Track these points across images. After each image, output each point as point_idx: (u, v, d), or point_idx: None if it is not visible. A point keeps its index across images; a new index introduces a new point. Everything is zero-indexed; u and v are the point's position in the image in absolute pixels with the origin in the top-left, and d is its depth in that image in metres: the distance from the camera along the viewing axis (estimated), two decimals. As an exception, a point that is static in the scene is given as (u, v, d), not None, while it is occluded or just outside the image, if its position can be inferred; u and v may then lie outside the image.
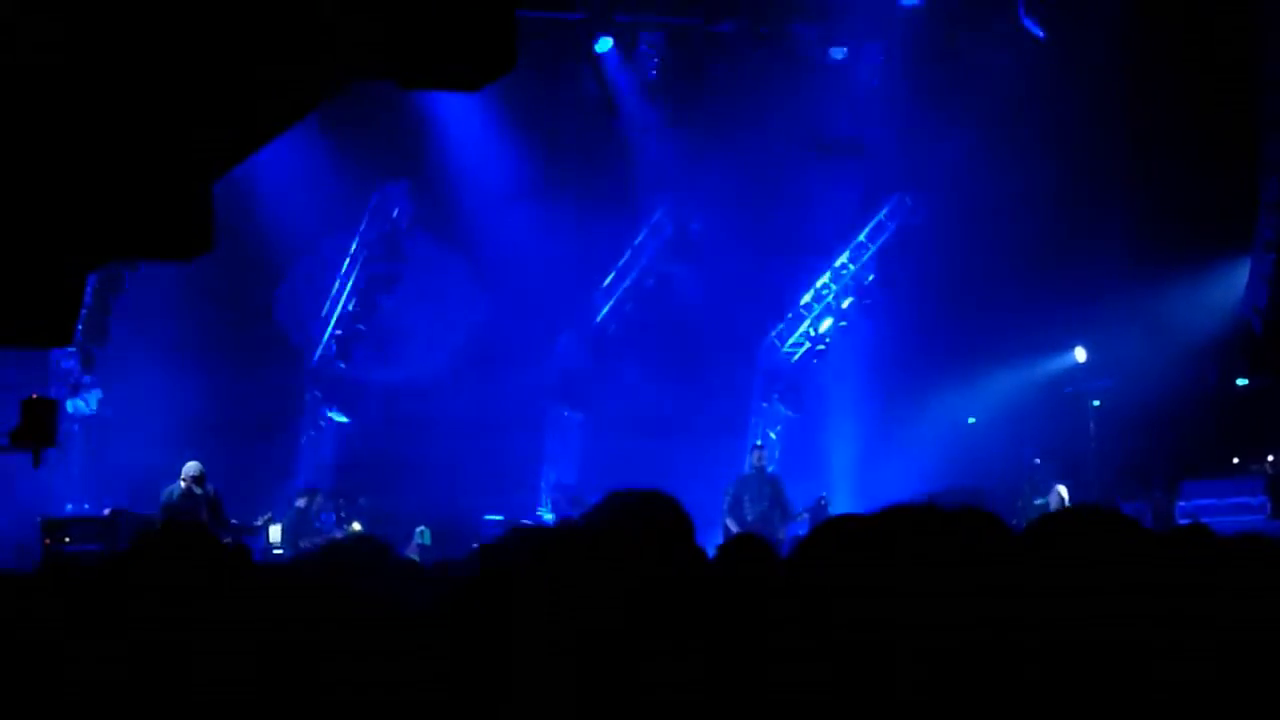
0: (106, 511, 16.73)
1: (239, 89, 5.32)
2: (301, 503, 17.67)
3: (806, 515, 17.86)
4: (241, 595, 2.96)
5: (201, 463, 15.38)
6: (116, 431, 19.46)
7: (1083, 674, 2.33)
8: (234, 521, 15.84)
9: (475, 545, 18.19)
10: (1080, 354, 20.29)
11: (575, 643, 2.53)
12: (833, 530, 2.62)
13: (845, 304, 22.10)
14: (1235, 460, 18.32)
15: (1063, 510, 2.72)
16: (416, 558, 16.66)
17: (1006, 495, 18.47)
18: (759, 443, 19.88)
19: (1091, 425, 19.08)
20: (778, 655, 2.37)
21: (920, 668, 2.25)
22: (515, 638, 2.57)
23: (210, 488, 15.36)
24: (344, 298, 20.84)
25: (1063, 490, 16.85)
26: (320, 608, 2.84)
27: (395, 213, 20.36)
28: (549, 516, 21.56)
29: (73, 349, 18.87)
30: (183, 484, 15.20)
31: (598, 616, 2.56)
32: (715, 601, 2.56)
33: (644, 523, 3.19)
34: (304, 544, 16.69)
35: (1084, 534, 2.52)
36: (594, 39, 19.90)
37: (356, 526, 18.86)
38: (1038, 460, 17.81)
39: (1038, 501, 17.26)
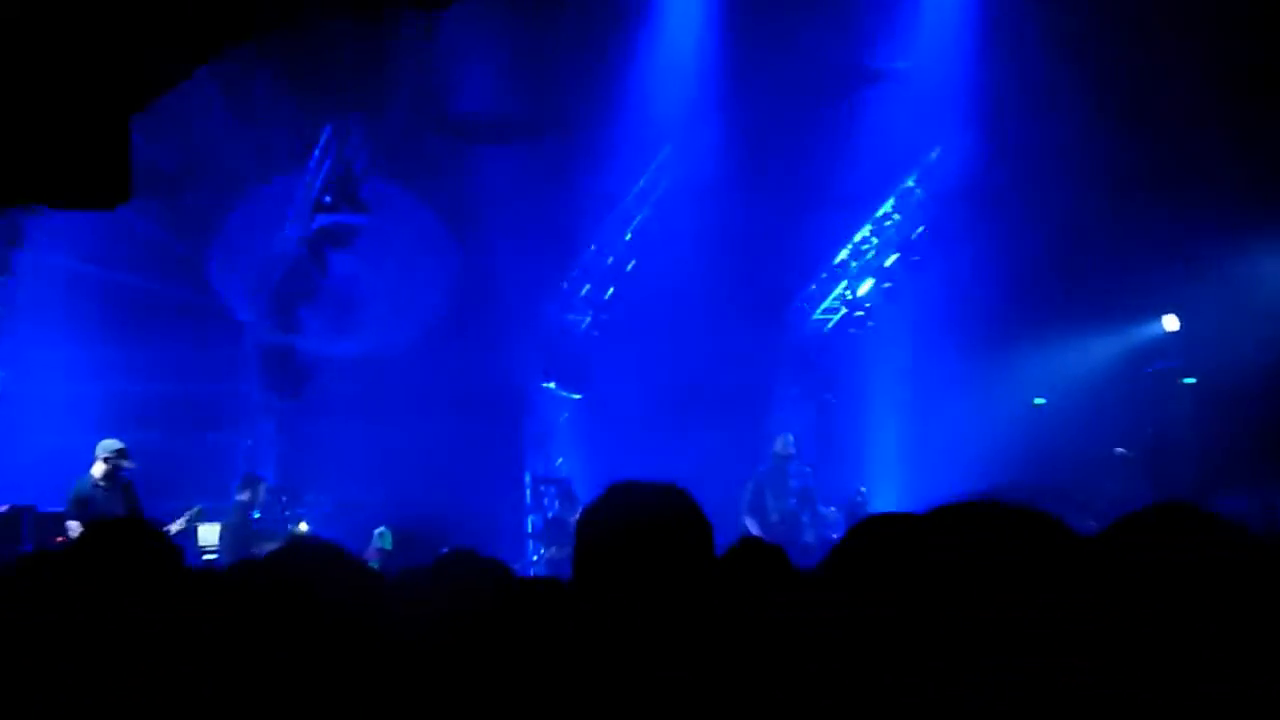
0: (4, 508, 16.75)
1: (158, 2, 5.30)
2: (243, 496, 17.68)
3: (840, 512, 17.92)
4: (173, 609, 2.96)
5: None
6: (16, 415, 19.47)
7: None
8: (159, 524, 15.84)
9: (446, 550, 18.28)
10: (1171, 322, 20.27)
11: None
12: (871, 533, 2.61)
13: (889, 262, 22.10)
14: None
15: (1145, 511, 2.70)
16: (376, 565, 16.73)
17: (1081, 491, 18.48)
18: (790, 436, 19.86)
19: (1184, 407, 19.09)
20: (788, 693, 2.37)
21: (978, 701, 2.24)
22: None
23: (129, 469, 15.45)
24: (289, 255, 20.80)
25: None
26: (267, 627, 2.84)
27: (351, 152, 20.31)
28: (535, 515, 21.61)
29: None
30: (98, 471, 15.24)
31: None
32: (702, 638, 2.56)
33: (654, 529, 3.18)
34: (250, 548, 16.71)
35: (1170, 541, 2.50)
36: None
37: (304, 527, 18.89)
38: (1119, 450, 17.83)
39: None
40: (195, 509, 16.95)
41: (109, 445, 15.42)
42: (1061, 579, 2.33)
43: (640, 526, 3.20)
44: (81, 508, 15.16)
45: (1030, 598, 2.29)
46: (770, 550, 4.08)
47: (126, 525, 3.65)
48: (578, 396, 22.55)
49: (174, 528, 16.13)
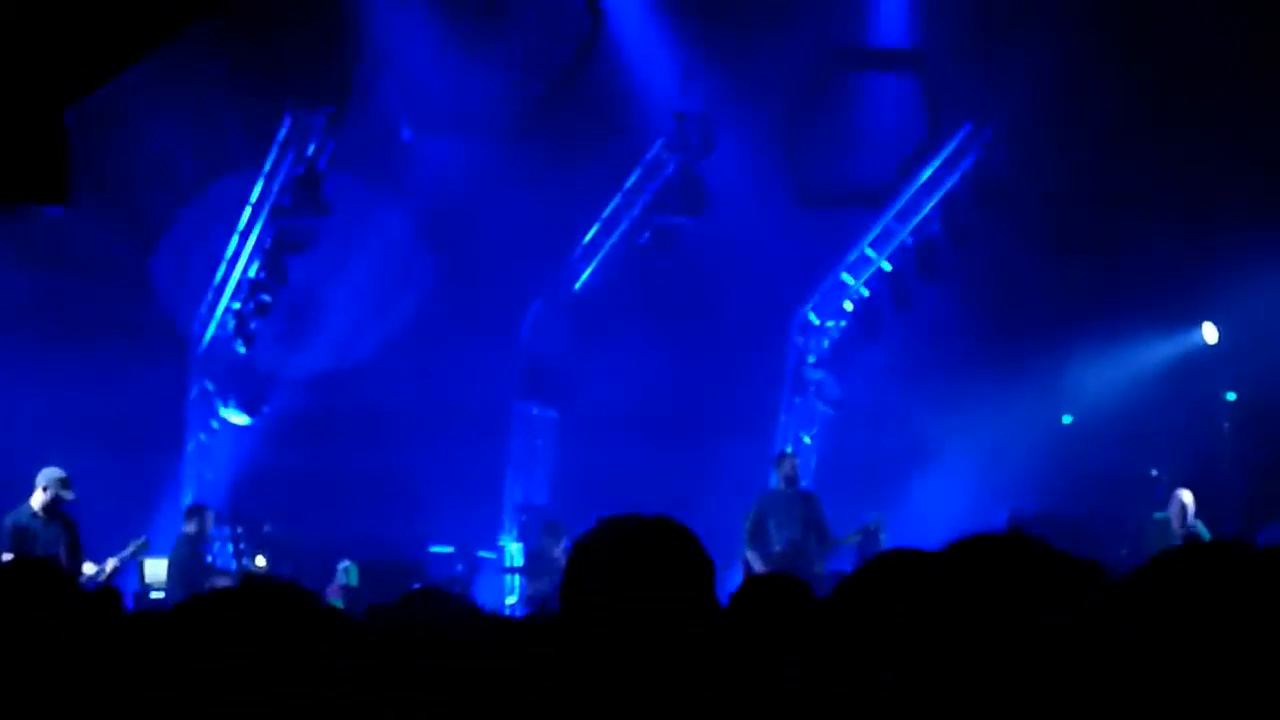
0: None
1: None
2: (190, 528, 17.64)
3: (854, 541, 17.90)
4: (106, 659, 2.94)
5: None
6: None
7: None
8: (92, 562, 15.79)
9: (417, 585, 18.20)
10: (1210, 333, 20.28)
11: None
12: (886, 571, 2.60)
13: (901, 267, 22.09)
14: None
15: (1186, 549, 2.69)
16: (340, 603, 16.70)
17: (1112, 516, 18.50)
18: (789, 449, 19.89)
19: (1226, 425, 19.10)
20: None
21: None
22: None
23: (70, 499, 15.43)
24: (243, 261, 20.79)
25: (1186, 497, 16.82)
26: (215, 678, 2.82)
27: (312, 148, 20.30)
28: (514, 546, 21.59)
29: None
30: (37, 501, 15.22)
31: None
32: (725, 678, 2.54)
33: (649, 567, 3.18)
34: (201, 585, 16.68)
35: (1212, 585, 2.49)
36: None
37: (261, 562, 18.85)
38: (1155, 472, 17.83)
39: (1157, 516, 17.30)
40: (140, 540, 16.87)
41: (51, 474, 15.35)
42: (1086, 629, 2.31)
43: (635, 564, 3.19)
44: (17, 539, 15.12)
45: (1052, 649, 2.29)
46: (789, 585, 4.07)
47: (41, 569, 3.62)
48: (554, 415, 22.52)
49: (109, 565, 16.07)
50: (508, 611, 19.74)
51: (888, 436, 21.69)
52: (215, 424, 21.57)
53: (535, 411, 22.65)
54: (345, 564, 18.39)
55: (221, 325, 21.13)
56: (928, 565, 2.39)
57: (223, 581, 16.78)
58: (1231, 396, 19.57)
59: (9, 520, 15.25)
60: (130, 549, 16.62)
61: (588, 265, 22.23)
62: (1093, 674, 2.27)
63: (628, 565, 3.19)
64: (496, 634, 3.51)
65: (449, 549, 20.06)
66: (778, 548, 17.11)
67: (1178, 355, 20.66)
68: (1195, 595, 2.52)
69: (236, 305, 20.86)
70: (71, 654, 3.32)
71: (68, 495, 15.40)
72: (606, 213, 21.94)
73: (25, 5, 5.23)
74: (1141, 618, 2.42)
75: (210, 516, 18.00)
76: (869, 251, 22.29)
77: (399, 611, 3.66)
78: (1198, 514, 16.81)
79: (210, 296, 21.07)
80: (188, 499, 20.25)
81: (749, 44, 20.14)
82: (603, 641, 3.06)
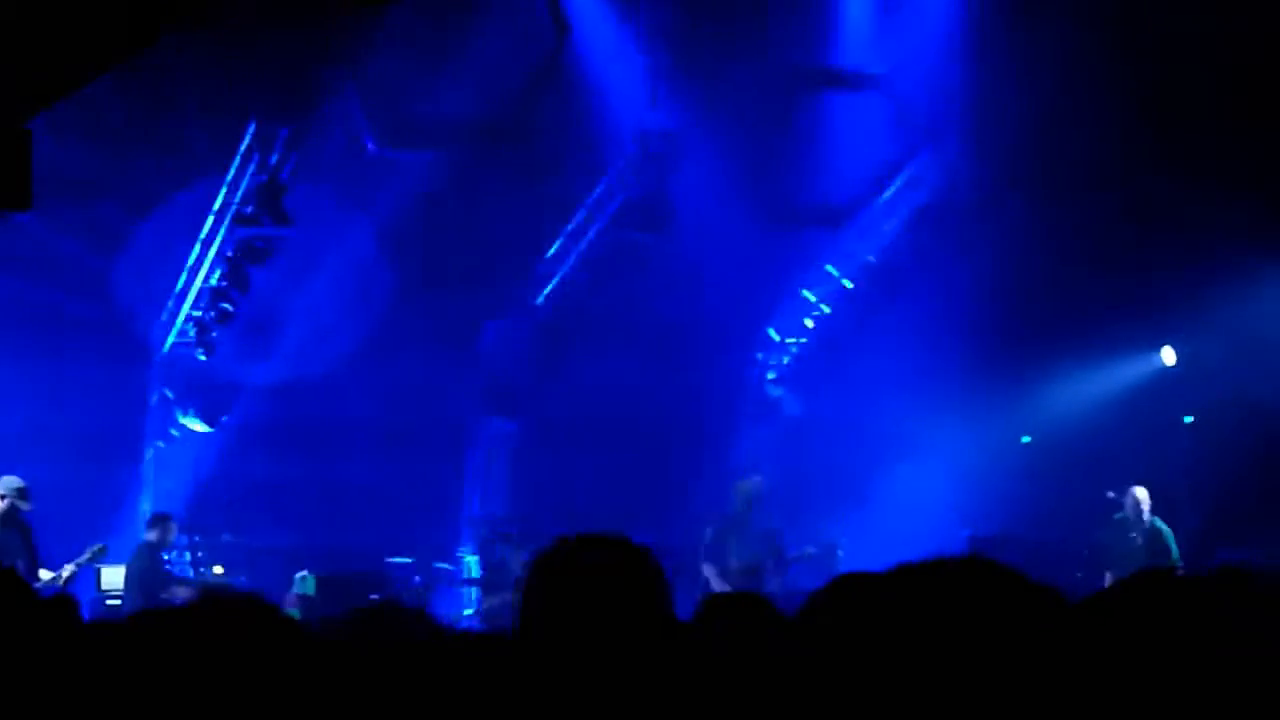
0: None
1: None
2: (152, 536, 17.56)
3: (809, 556, 17.94)
4: (63, 671, 2.93)
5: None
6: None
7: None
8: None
9: (375, 596, 18.17)
10: (1168, 356, 20.38)
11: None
12: (845, 593, 2.61)
13: (862, 286, 22.14)
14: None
15: (1145, 575, 2.71)
16: (297, 613, 16.66)
17: (1068, 539, 18.57)
18: (759, 478, 19.90)
19: (1184, 448, 19.17)
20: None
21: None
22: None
23: (26, 511, 15.38)
24: (204, 269, 20.73)
25: (1140, 492, 17.24)
26: (171, 688, 2.81)
27: (275, 158, 20.26)
28: (471, 558, 21.56)
29: None
30: (-7, 511, 15.19)
31: None
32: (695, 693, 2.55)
33: (606, 587, 3.18)
34: (159, 594, 16.62)
35: (1173, 612, 2.50)
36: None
37: (218, 571, 18.79)
38: (1111, 494, 17.91)
39: (1116, 516, 17.53)
40: (97, 546, 16.81)
41: (9, 482, 15.32)
42: (1041, 656, 2.33)
43: (592, 583, 3.20)
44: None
45: (1010, 675, 2.30)
46: (753, 603, 4.08)
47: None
48: (513, 428, 22.51)
49: (65, 572, 16.00)
50: (464, 624, 19.71)
51: (847, 454, 21.72)
52: (175, 432, 21.49)
53: (495, 424, 22.63)
54: (303, 574, 18.34)
55: (182, 333, 21.05)
56: (887, 588, 2.40)
57: (182, 590, 16.74)
58: (1188, 419, 19.64)
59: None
60: (87, 555, 16.55)
61: (551, 279, 22.23)
62: (1051, 701, 2.29)
63: (585, 585, 3.20)
64: (453, 650, 3.51)
65: (407, 560, 20.02)
66: (735, 565, 17.12)
67: (1137, 378, 20.74)
68: (1155, 622, 2.54)
69: (198, 313, 20.78)
70: (27, 662, 3.31)
71: (24, 506, 15.34)
72: (571, 227, 21.94)
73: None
74: (1101, 644, 2.44)
75: (173, 526, 17.94)
76: (830, 269, 22.34)
77: (352, 625, 3.65)
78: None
79: (171, 304, 20.98)
80: (146, 506, 20.18)
81: (716, 61, 20.18)
82: (560, 660, 3.07)
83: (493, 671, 3.22)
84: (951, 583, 2.37)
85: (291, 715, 2.79)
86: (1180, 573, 2.72)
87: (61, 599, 10.40)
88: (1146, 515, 17.27)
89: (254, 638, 3.20)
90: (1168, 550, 17.06)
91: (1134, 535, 17.27)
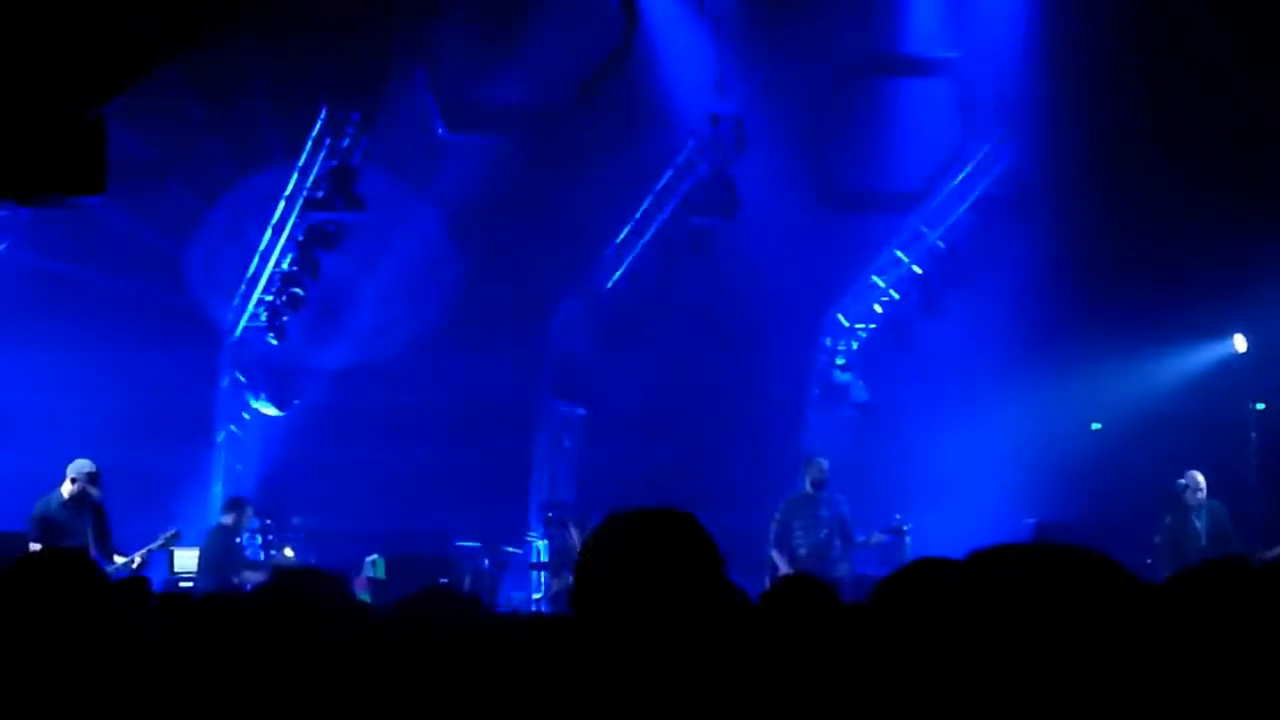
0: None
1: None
2: (227, 519, 17.65)
3: (877, 542, 17.89)
4: (133, 650, 2.95)
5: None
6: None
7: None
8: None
9: (444, 580, 18.22)
10: (1240, 343, 20.22)
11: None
12: (921, 577, 2.60)
13: (931, 271, 22.04)
14: None
15: (1220, 562, 2.67)
16: (367, 596, 16.72)
17: (1136, 526, 18.44)
18: (824, 461, 19.85)
19: (1254, 436, 19.01)
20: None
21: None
22: None
23: (97, 496, 15.45)
24: (276, 254, 20.82)
25: (1198, 478, 17.08)
26: (253, 673, 2.83)
27: (346, 143, 20.33)
28: (540, 542, 21.59)
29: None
30: (66, 491, 15.25)
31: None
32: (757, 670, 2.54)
33: (656, 559, 3.18)
34: (232, 577, 16.72)
35: (1244, 598, 2.47)
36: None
37: (289, 554, 18.87)
38: (1182, 480, 17.77)
39: (1178, 501, 17.40)
40: (171, 532, 16.88)
41: (80, 466, 15.38)
42: (1119, 643, 2.30)
43: (643, 557, 3.19)
44: (45, 529, 15.15)
45: (1088, 659, 2.27)
46: (814, 585, 4.07)
47: (68, 559, 3.63)
48: (581, 412, 22.51)
49: (139, 557, 16.05)
50: (534, 607, 19.76)
51: (914, 440, 21.65)
52: (246, 415, 21.61)
53: (563, 409, 22.65)
54: (373, 557, 18.40)
55: (253, 317, 21.15)
56: (963, 573, 2.37)
57: (253, 574, 16.83)
58: (1260, 406, 19.46)
59: (37, 510, 15.28)
60: (161, 540, 16.62)
61: (619, 265, 22.23)
62: (1127, 690, 2.26)
63: (636, 559, 3.19)
64: (507, 632, 3.52)
65: (476, 544, 20.06)
66: (803, 550, 17.11)
67: (1208, 365, 20.59)
68: (1229, 608, 2.51)
69: (269, 298, 20.87)
70: (100, 642, 3.33)
71: (94, 491, 15.39)
72: (638, 213, 21.94)
73: (67, 3, 5.26)
74: (1186, 632, 2.42)
75: (250, 510, 18.03)
76: (899, 254, 22.26)
77: (407, 608, 3.66)
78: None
79: (243, 289, 21.09)
80: (217, 490, 20.31)
81: (783, 46, 20.12)
82: (615, 637, 3.06)
83: (549, 650, 3.22)
84: (1033, 568, 2.34)
85: (345, 692, 2.80)
86: (1247, 557, 2.69)
87: (134, 581, 10.48)
88: (1204, 499, 17.15)
89: (322, 615, 3.21)
90: (1227, 534, 16.93)
91: (1194, 520, 17.15)
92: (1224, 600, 2.50)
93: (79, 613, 3.34)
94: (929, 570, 2.56)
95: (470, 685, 3.25)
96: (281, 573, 3.42)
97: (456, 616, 3.56)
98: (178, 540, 17.16)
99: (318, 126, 20.13)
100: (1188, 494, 17.20)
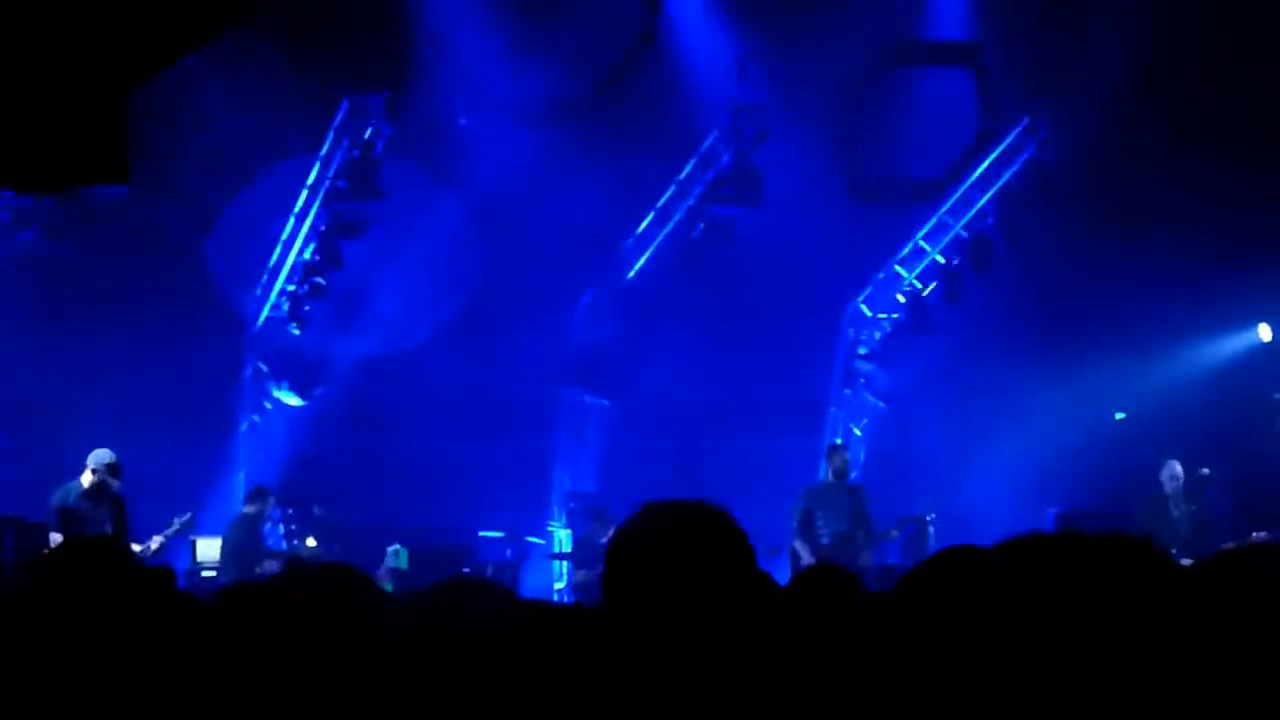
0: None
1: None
2: (250, 509, 17.68)
3: (897, 533, 17.89)
4: (164, 640, 2.94)
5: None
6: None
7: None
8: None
9: (466, 570, 18.23)
10: (1265, 333, 20.18)
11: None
12: (949, 566, 2.58)
13: (954, 261, 22.01)
14: None
15: (1249, 548, 2.67)
16: (389, 586, 16.74)
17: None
18: (839, 442, 19.85)
19: (1278, 424, 18.98)
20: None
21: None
22: None
23: (117, 487, 15.45)
24: (298, 244, 20.86)
25: (1177, 467, 16.96)
26: (280, 664, 2.82)
27: (368, 133, 20.35)
28: (563, 533, 21.60)
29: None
30: (86, 481, 15.26)
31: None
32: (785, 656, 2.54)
33: (689, 551, 3.17)
34: (255, 567, 16.75)
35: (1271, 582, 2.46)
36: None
37: (311, 544, 18.90)
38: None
39: (1158, 492, 17.29)
40: (185, 516, 16.81)
41: (100, 457, 15.36)
42: (1162, 619, 2.29)
43: (675, 548, 3.19)
44: (65, 519, 15.14)
45: (1123, 645, 2.27)
46: (840, 575, 4.05)
47: (102, 548, 3.63)
48: (604, 403, 22.51)
49: (154, 543, 16.05)
50: (556, 597, 19.77)
51: (937, 430, 21.64)
52: (268, 405, 21.63)
53: (585, 400, 22.66)
54: (395, 547, 18.41)
55: (276, 307, 21.19)
56: (992, 562, 2.36)
57: (274, 563, 16.86)
58: (1283, 396, 19.44)
59: (56, 500, 15.28)
60: (175, 525, 16.57)
61: (641, 255, 22.23)
62: (1160, 676, 2.26)
63: (668, 550, 3.19)
64: (534, 621, 3.51)
65: (498, 534, 20.07)
66: (825, 540, 17.10)
67: (1233, 354, 20.56)
68: (1256, 593, 2.50)
69: (291, 287, 20.91)
70: (129, 632, 3.33)
71: (114, 483, 15.36)
72: (661, 202, 21.95)
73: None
74: (1207, 614, 2.41)
75: (272, 500, 18.06)
76: (923, 244, 22.22)
77: (430, 599, 3.65)
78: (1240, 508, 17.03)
79: (265, 278, 21.13)
80: (240, 479, 20.34)
81: (805, 35, 20.10)
82: (645, 628, 3.06)
83: (579, 640, 3.22)
84: (1059, 557, 2.34)
85: (379, 684, 2.79)
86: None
87: (160, 571, 10.49)
88: (1181, 487, 17.02)
89: (346, 610, 3.21)
90: (1208, 524, 16.84)
91: (1173, 510, 17.05)
92: (1260, 582, 2.50)
93: (117, 603, 3.34)
94: (959, 559, 2.54)
95: (499, 675, 3.25)
96: (295, 566, 3.41)
97: (484, 606, 3.55)
98: (192, 525, 17.10)
99: (340, 116, 20.18)
100: (1166, 483, 17.06)
